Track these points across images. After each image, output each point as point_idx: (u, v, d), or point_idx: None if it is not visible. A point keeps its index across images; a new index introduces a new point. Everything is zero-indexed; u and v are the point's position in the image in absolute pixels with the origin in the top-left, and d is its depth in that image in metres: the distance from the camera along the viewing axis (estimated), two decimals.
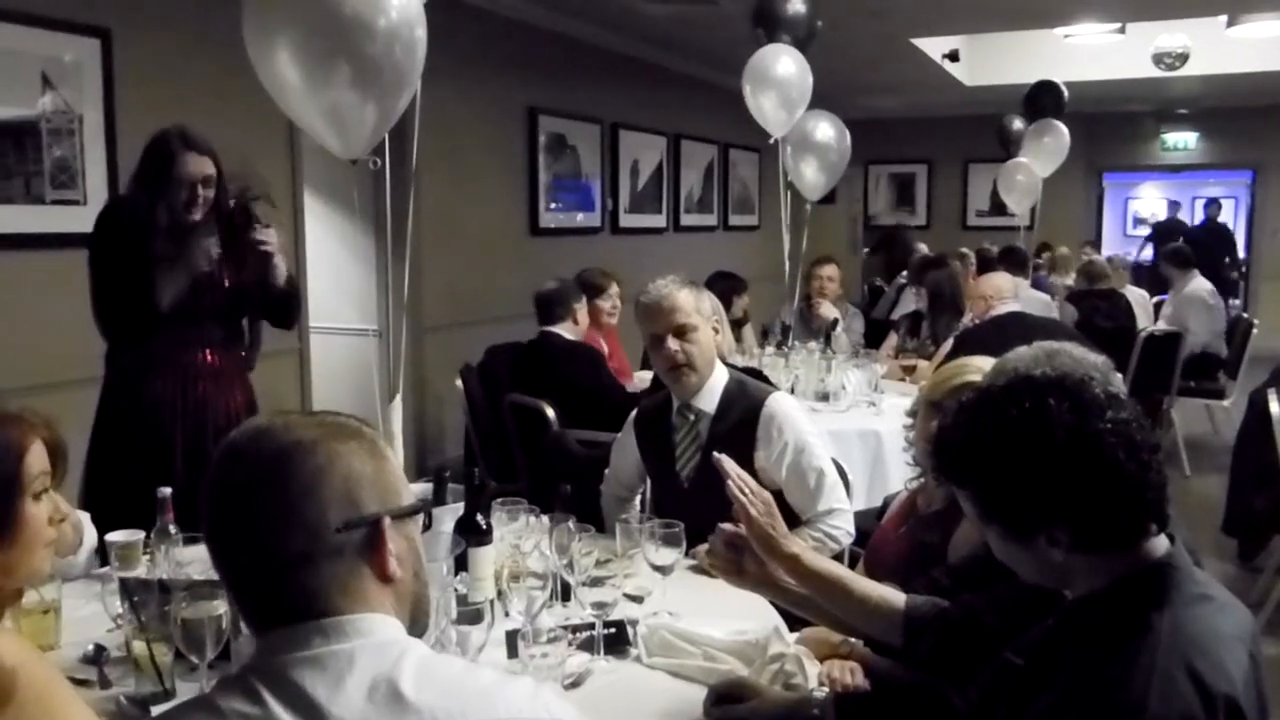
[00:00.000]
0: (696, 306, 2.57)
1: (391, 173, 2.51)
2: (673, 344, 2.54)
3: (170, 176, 2.78)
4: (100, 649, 1.78)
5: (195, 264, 2.85)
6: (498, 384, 4.43)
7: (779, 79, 4.90)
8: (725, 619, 1.90)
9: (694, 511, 2.13)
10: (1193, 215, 15.79)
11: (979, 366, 2.12)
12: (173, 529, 2.09)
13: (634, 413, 2.78)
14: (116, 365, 2.93)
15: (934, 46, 8.55)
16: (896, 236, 9.75)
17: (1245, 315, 7.59)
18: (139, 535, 2.15)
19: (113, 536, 2.14)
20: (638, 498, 2.85)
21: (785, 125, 5.03)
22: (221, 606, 1.59)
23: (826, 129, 5.25)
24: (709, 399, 2.59)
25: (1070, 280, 8.38)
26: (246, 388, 3.06)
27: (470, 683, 1.04)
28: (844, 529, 2.50)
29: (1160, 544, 1.26)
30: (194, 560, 2.00)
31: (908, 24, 7.50)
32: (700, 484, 2.55)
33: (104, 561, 2.17)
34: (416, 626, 1.14)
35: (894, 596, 1.69)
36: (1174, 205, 14.13)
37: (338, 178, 5.11)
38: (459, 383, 4.56)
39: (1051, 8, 7.23)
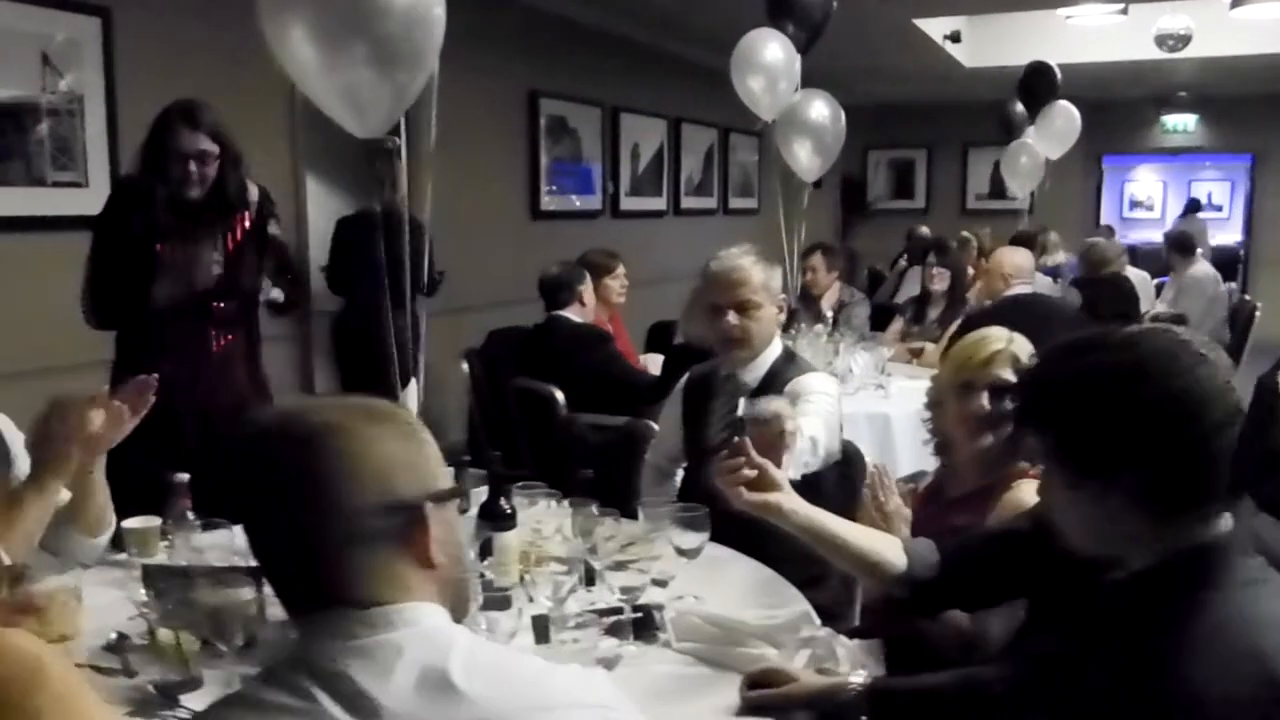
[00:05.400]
0: (765, 283, 2.52)
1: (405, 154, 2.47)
2: (732, 318, 2.49)
3: (166, 150, 2.80)
4: (122, 637, 1.76)
5: (202, 245, 2.85)
6: (499, 369, 4.40)
7: (766, 63, 4.86)
8: (752, 604, 1.88)
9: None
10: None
11: (999, 334, 2.09)
12: (190, 514, 2.07)
13: (685, 378, 2.74)
14: (126, 347, 2.90)
15: (935, 28, 8.49)
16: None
17: (1248, 299, 7.56)
18: (155, 521, 2.12)
19: (128, 523, 2.11)
20: (680, 470, 2.76)
21: (774, 108, 4.99)
22: (248, 593, 1.56)
23: (821, 109, 5.10)
24: (755, 372, 2.55)
25: (1057, 262, 8.34)
26: (256, 371, 3.03)
27: (519, 671, 1.03)
28: None
29: (1221, 524, 1.23)
30: (212, 546, 1.97)
31: (912, 5, 7.45)
32: None
33: (117, 547, 2.14)
34: (457, 613, 1.12)
35: (892, 554, 1.67)
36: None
37: (337, 159, 5.09)
38: (465, 366, 4.52)
39: None
